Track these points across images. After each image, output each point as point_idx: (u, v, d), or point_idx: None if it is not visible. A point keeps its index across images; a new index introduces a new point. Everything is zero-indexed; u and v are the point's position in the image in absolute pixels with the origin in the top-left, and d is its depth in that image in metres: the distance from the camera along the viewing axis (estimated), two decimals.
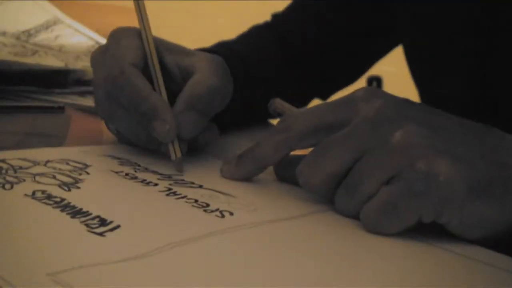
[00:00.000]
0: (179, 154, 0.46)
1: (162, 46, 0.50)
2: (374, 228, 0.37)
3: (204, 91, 0.47)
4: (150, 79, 0.48)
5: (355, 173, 0.38)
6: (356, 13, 0.73)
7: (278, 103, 0.49)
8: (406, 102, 0.40)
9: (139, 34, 0.49)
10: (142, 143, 0.49)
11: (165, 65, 0.49)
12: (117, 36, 0.50)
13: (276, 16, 0.79)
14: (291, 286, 0.30)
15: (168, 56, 0.50)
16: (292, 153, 0.43)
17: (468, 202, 0.36)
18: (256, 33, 0.76)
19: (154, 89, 0.47)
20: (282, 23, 0.77)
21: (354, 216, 0.38)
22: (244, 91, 0.63)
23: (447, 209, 0.36)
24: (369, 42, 0.76)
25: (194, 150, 0.50)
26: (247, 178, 0.44)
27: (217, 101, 0.49)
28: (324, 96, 0.78)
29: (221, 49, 0.62)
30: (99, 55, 0.50)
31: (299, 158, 0.41)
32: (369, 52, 0.78)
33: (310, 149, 0.41)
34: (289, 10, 0.78)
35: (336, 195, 0.39)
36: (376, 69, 0.79)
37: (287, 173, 0.44)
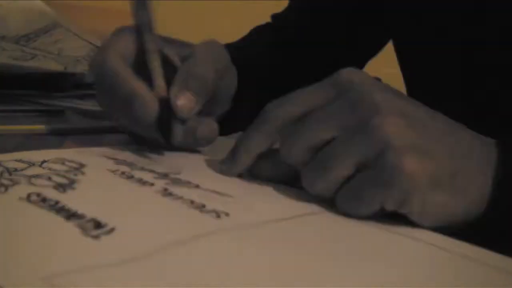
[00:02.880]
0: (169, 136, 0.47)
1: (162, 39, 0.51)
2: (343, 210, 0.39)
3: (197, 72, 0.49)
4: (144, 72, 0.48)
5: (328, 150, 0.39)
6: (353, 10, 0.75)
7: None
8: (385, 87, 0.41)
9: (136, 30, 0.50)
10: (134, 128, 0.50)
11: (165, 56, 0.50)
12: (115, 32, 0.52)
13: (275, 17, 0.80)
14: (288, 287, 0.29)
15: (168, 47, 0.51)
16: None
17: (429, 195, 0.37)
18: (256, 35, 0.77)
19: (149, 77, 0.48)
20: (281, 23, 0.78)
21: (317, 193, 0.40)
22: (252, 94, 0.64)
23: (409, 200, 0.37)
24: (366, 38, 0.78)
25: (194, 146, 0.50)
26: (242, 171, 0.45)
27: (211, 82, 0.50)
28: None
29: (230, 49, 0.62)
30: (96, 53, 0.53)
31: (273, 152, 0.43)
32: (365, 48, 0.80)
33: None
34: (288, 10, 0.79)
35: (303, 170, 0.40)
36: (375, 71, 0.79)
37: (262, 168, 0.45)
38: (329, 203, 0.41)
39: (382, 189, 0.37)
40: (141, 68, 0.49)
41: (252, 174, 0.45)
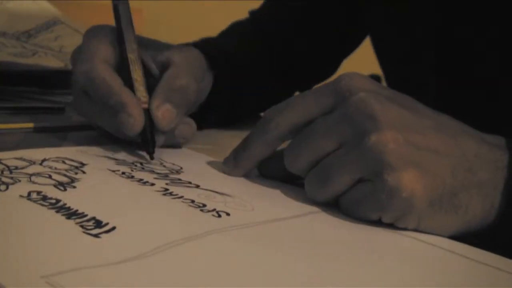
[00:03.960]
0: (154, 146, 0.48)
1: (138, 42, 0.52)
2: (348, 215, 0.39)
3: (179, 84, 0.50)
4: (123, 76, 0.49)
5: (327, 164, 0.39)
6: (329, 6, 0.77)
7: None
8: (388, 94, 0.40)
9: (113, 30, 0.51)
10: (118, 135, 0.51)
11: (142, 61, 0.51)
12: (91, 33, 0.52)
13: (254, 14, 0.81)
14: (288, 286, 0.29)
15: (144, 51, 0.52)
16: None
17: (427, 215, 0.37)
18: (239, 32, 0.79)
19: (131, 85, 0.49)
20: (260, 20, 0.79)
21: (318, 201, 0.40)
22: (230, 90, 0.66)
23: (405, 218, 0.38)
24: (344, 32, 0.79)
25: (173, 145, 0.52)
26: (243, 174, 0.46)
27: (192, 93, 0.51)
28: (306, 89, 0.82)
29: (206, 47, 0.64)
30: (75, 53, 0.52)
31: (279, 153, 0.43)
32: (344, 42, 0.81)
33: None
34: (265, 7, 0.81)
35: (306, 179, 0.41)
36: (375, 68, 0.79)
37: (269, 168, 0.45)
38: (328, 204, 0.41)
39: (380, 207, 0.37)
40: (121, 74, 0.50)
41: (258, 173, 0.46)
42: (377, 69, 0.78)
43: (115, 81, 0.48)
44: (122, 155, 0.48)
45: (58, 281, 0.27)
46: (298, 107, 0.41)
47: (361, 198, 0.38)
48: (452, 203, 0.38)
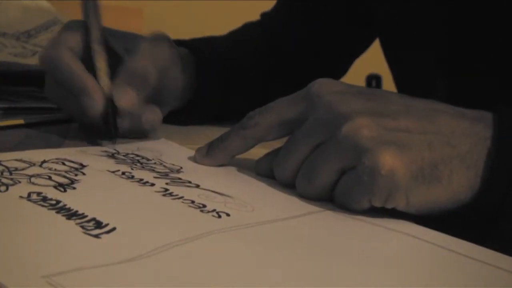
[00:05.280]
0: (116, 131, 0.51)
1: (113, 34, 0.56)
2: (344, 209, 0.41)
3: (136, 67, 0.53)
4: (89, 66, 0.52)
5: (308, 164, 0.41)
6: (340, 6, 0.77)
7: None
8: (356, 92, 0.42)
9: (85, 25, 0.54)
10: (82, 120, 0.54)
11: (112, 49, 0.54)
12: (65, 26, 0.56)
13: (265, 16, 0.81)
14: (288, 287, 0.30)
15: (114, 40, 0.55)
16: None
17: (412, 189, 0.38)
18: (246, 32, 0.79)
19: (95, 73, 0.52)
20: (271, 23, 0.79)
21: (313, 198, 0.42)
22: (219, 89, 0.68)
23: (393, 197, 0.39)
24: (352, 35, 0.80)
25: (141, 132, 0.54)
26: (215, 165, 0.48)
27: (151, 78, 0.54)
28: None
29: (203, 47, 0.68)
30: (48, 47, 0.55)
31: (274, 152, 0.45)
32: (352, 46, 0.82)
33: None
34: (276, 9, 0.80)
35: (296, 181, 0.43)
36: (376, 68, 0.79)
37: (265, 167, 0.46)
38: (329, 202, 0.41)
39: (366, 190, 0.39)
40: (87, 63, 0.53)
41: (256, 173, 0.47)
42: (377, 69, 0.78)
43: (77, 66, 0.52)
44: (122, 155, 0.48)
45: (59, 281, 0.27)
46: (276, 109, 0.45)
47: (348, 188, 0.40)
48: (434, 175, 0.38)
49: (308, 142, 0.41)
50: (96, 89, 0.51)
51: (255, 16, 0.83)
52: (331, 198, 0.41)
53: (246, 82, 0.73)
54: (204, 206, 0.38)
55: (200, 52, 0.67)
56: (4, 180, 0.39)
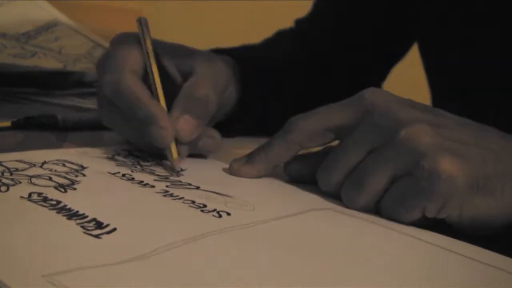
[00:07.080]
0: (176, 157, 0.46)
1: (162, 50, 0.50)
2: (387, 217, 0.40)
3: (198, 94, 0.48)
4: (150, 86, 0.48)
5: (360, 169, 0.40)
6: (378, 10, 0.73)
7: None
8: (409, 103, 0.42)
9: (137, 39, 0.49)
10: (143, 147, 0.49)
11: (165, 69, 0.50)
12: (118, 42, 0.50)
13: (301, 22, 0.78)
14: (290, 286, 0.30)
15: (167, 59, 0.50)
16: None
17: (468, 199, 0.38)
18: (283, 41, 0.75)
19: (153, 95, 0.47)
20: (307, 30, 0.76)
21: (359, 208, 0.40)
22: (261, 101, 0.64)
23: (448, 205, 0.38)
24: (391, 40, 0.76)
25: (197, 155, 0.50)
26: (258, 176, 0.46)
27: (212, 104, 0.49)
28: None
29: (244, 55, 0.62)
30: (101, 61, 0.50)
31: (309, 156, 0.45)
32: (392, 51, 0.78)
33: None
34: (314, 15, 0.77)
35: (343, 189, 0.41)
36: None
37: (298, 171, 0.45)
38: (328, 202, 0.41)
39: (422, 196, 0.38)
40: (146, 83, 0.48)
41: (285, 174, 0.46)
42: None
43: (143, 93, 0.47)
44: (122, 157, 0.48)
45: (60, 280, 0.27)
46: (322, 115, 0.43)
47: (402, 194, 0.39)
48: (487, 187, 0.38)
49: (361, 147, 0.40)
50: (166, 118, 0.46)
51: (255, 16, 0.82)
52: (377, 210, 0.40)
53: (288, 92, 0.70)
54: (205, 206, 0.38)
55: (243, 62, 0.61)
56: (5, 181, 0.39)
